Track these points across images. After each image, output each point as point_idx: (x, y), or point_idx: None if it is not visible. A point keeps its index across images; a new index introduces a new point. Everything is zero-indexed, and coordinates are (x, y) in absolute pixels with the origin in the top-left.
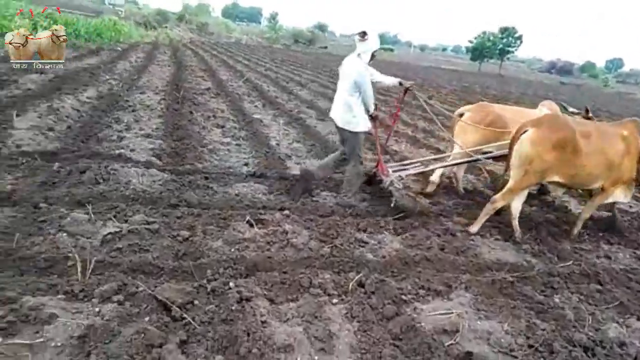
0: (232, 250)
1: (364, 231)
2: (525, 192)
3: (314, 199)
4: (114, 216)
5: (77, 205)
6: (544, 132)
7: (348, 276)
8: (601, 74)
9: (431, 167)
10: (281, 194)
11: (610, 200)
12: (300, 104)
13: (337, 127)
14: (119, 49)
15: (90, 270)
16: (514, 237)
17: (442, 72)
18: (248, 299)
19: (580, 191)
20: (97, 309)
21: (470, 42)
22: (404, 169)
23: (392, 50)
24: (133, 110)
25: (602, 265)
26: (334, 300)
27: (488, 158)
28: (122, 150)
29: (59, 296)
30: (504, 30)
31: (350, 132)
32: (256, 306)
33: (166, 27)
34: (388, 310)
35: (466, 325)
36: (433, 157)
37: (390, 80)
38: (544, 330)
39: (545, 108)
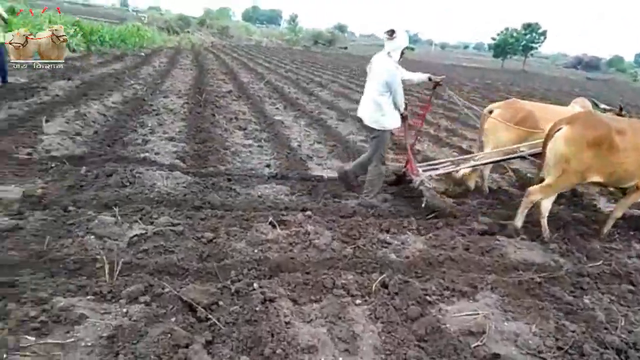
0: (256, 251)
1: (387, 232)
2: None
3: (336, 199)
4: (140, 218)
5: (104, 208)
6: (579, 130)
7: (371, 277)
8: (629, 68)
9: (462, 166)
10: (303, 195)
11: None
12: (320, 104)
13: (365, 125)
14: (143, 54)
15: (117, 272)
16: (541, 237)
17: (463, 70)
18: (272, 300)
19: (612, 189)
20: (124, 310)
21: (493, 39)
22: (434, 169)
23: (412, 49)
24: (157, 114)
25: (634, 265)
26: (358, 301)
27: (521, 157)
28: (147, 154)
29: (88, 297)
30: (527, 26)
31: (377, 130)
32: (280, 307)
33: (188, 31)
34: (412, 311)
35: (492, 326)
36: (464, 156)
37: (419, 77)
38: (573, 332)
39: (578, 105)
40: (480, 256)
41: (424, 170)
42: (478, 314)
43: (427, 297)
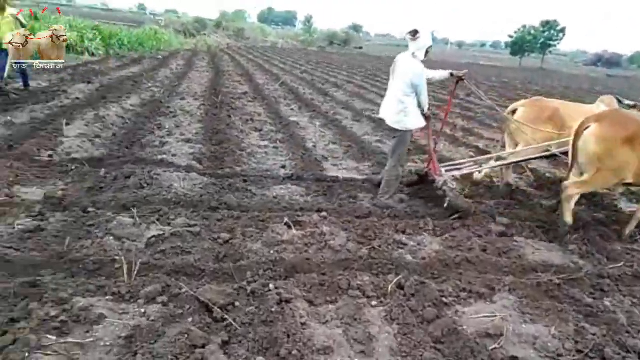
0: (271, 252)
1: (403, 232)
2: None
3: (351, 200)
4: (158, 219)
5: (123, 209)
6: (607, 128)
7: (387, 278)
8: None
9: (485, 166)
10: (318, 196)
11: None
12: (336, 105)
13: (391, 129)
14: (160, 57)
15: (135, 272)
16: (559, 237)
17: (480, 69)
18: (287, 301)
19: (635, 189)
20: (142, 310)
21: (510, 36)
22: (457, 169)
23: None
24: (174, 116)
25: None
26: (373, 303)
27: (547, 156)
28: (164, 156)
29: (107, 297)
30: (545, 23)
31: (399, 131)
32: (295, 308)
33: (204, 34)
34: (429, 313)
35: (510, 328)
36: (487, 156)
37: (440, 74)
38: (594, 335)
39: (604, 104)
40: (498, 257)
41: (446, 171)
42: (496, 316)
43: (444, 299)
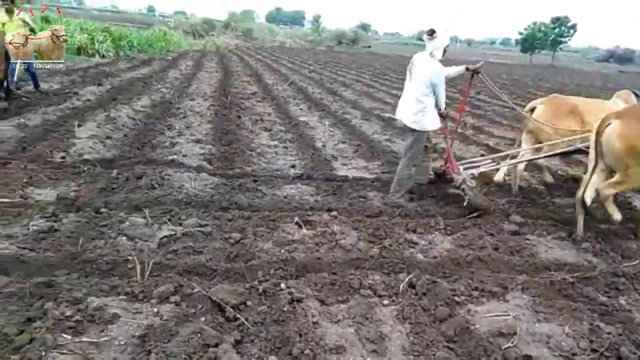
0: (282, 251)
1: (414, 231)
2: (595, 191)
3: (361, 199)
4: (169, 220)
5: (135, 209)
6: (630, 125)
7: (398, 277)
8: None
9: (502, 164)
10: (328, 195)
11: None
12: (344, 104)
13: (404, 126)
14: (169, 58)
15: (148, 272)
16: (573, 235)
17: (490, 66)
18: (299, 300)
19: None
20: (155, 309)
21: (520, 33)
22: (475, 167)
23: None
24: (184, 117)
25: None
26: (385, 302)
27: (572, 152)
28: (175, 156)
29: (121, 297)
30: (555, 20)
31: (416, 131)
32: (307, 307)
33: (213, 34)
34: (441, 312)
35: (524, 327)
36: (504, 153)
37: (455, 70)
38: (609, 333)
39: (621, 100)
40: (510, 256)
41: (464, 169)
42: (508, 314)
43: (456, 298)
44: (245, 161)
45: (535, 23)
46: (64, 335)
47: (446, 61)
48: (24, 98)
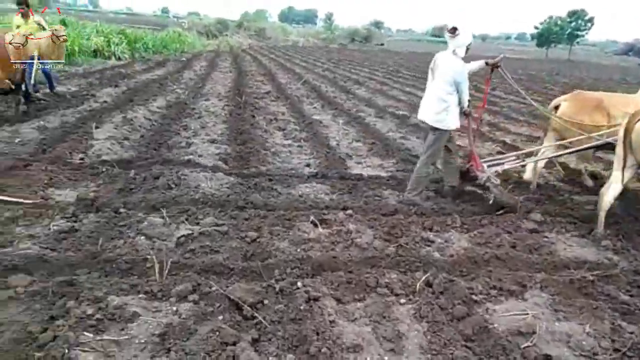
0: (298, 250)
1: (430, 230)
2: (620, 187)
3: (377, 197)
4: (186, 219)
5: (153, 209)
6: None
7: (415, 276)
8: None
9: (528, 160)
10: (343, 194)
11: None
12: (358, 102)
13: (423, 125)
14: (184, 59)
15: (166, 271)
16: (593, 233)
17: (506, 61)
18: (316, 299)
19: None
20: (174, 308)
21: (536, 27)
22: (500, 164)
23: None
24: (199, 117)
25: None
26: (402, 300)
27: (599, 147)
28: (191, 156)
29: (140, 296)
30: (572, 13)
31: (438, 130)
32: (324, 306)
33: (226, 35)
34: (458, 310)
35: (543, 326)
36: (528, 150)
37: (476, 65)
38: (631, 333)
39: None
40: (528, 254)
41: (489, 166)
42: (527, 313)
43: (473, 297)
44: (260, 160)
45: (551, 17)
46: (85, 333)
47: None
48: (42, 101)
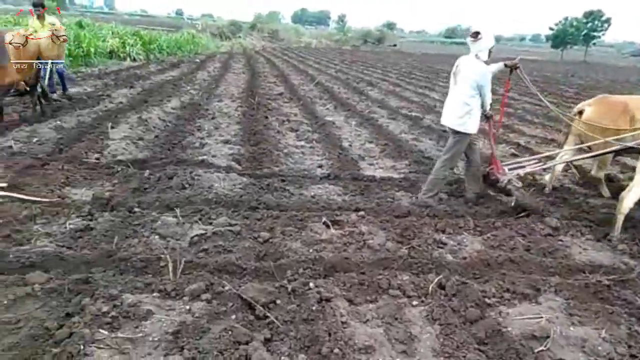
0: (310, 251)
1: (443, 232)
2: None
3: (389, 199)
4: (200, 219)
5: (167, 209)
6: None
7: (427, 278)
8: None
9: (549, 163)
10: (355, 195)
11: None
12: (371, 104)
13: (449, 129)
14: (198, 60)
15: (180, 270)
16: (609, 237)
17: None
18: (328, 300)
19: None
20: (187, 307)
21: (551, 29)
22: (521, 167)
23: (465, 43)
24: (212, 118)
25: None
26: (414, 302)
27: (624, 150)
28: (205, 157)
29: (154, 294)
30: (588, 14)
31: (460, 133)
32: (336, 307)
33: (239, 36)
34: (471, 313)
35: (557, 330)
36: (549, 153)
37: (495, 67)
38: None
39: None
40: (543, 257)
41: (509, 169)
42: (541, 317)
43: (487, 299)
44: (273, 161)
45: (567, 18)
46: (101, 330)
47: None
48: (57, 102)
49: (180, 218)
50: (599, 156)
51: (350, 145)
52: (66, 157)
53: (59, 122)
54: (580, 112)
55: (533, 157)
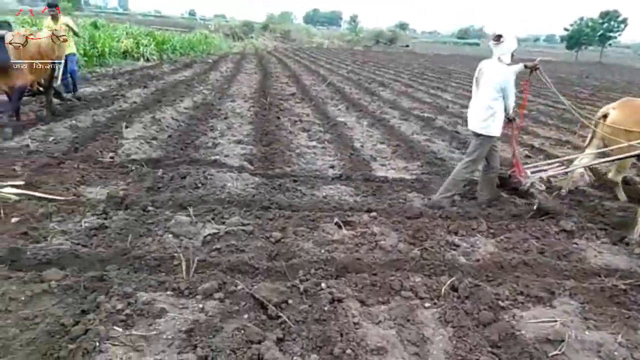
0: (322, 251)
1: (455, 234)
2: None
3: (401, 200)
4: (212, 218)
5: (180, 208)
6: None
7: (440, 280)
8: None
9: (572, 167)
10: (367, 196)
11: None
12: (383, 104)
13: (472, 133)
14: (210, 60)
15: (193, 269)
16: (626, 240)
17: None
18: (340, 300)
19: None
20: (200, 305)
21: (566, 29)
22: (543, 170)
23: (477, 44)
24: (225, 118)
25: None
26: (427, 304)
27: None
28: (217, 156)
29: (168, 292)
30: (604, 14)
31: (482, 136)
32: (348, 307)
33: (252, 37)
34: (484, 316)
35: (572, 335)
36: (572, 156)
37: (516, 69)
38: None
39: None
40: (557, 260)
41: (532, 173)
42: (556, 321)
43: (500, 302)
44: (285, 161)
45: (582, 18)
46: (115, 327)
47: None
48: (70, 101)
49: (194, 217)
50: (621, 160)
51: (362, 146)
52: (81, 156)
53: (74, 122)
54: (605, 116)
55: (556, 159)
